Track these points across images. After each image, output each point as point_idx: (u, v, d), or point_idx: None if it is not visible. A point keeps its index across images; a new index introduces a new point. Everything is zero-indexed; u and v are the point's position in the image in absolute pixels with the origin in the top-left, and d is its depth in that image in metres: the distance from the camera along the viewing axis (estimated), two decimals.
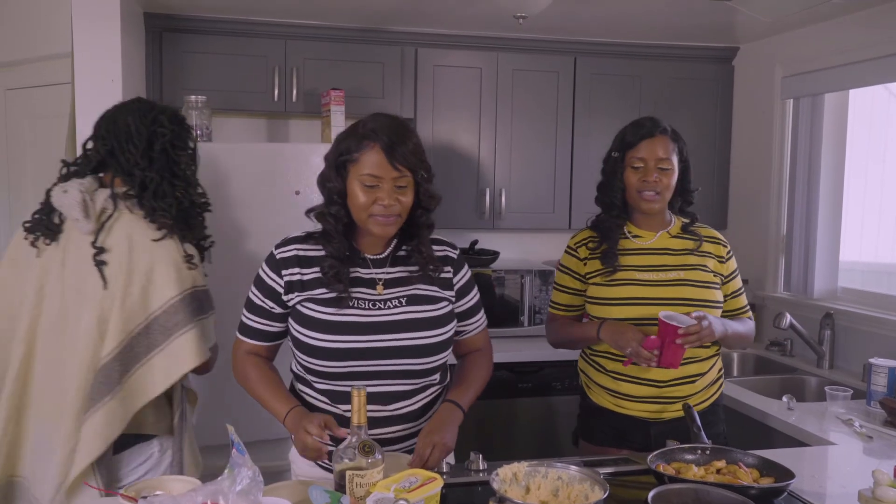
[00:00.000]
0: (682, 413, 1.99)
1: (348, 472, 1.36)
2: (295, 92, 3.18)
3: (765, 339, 3.38)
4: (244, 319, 1.74)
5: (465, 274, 1.81)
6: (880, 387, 2.44)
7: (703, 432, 1.78)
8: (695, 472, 1.61)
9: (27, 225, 1.89)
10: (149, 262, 1.79)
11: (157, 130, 1.87)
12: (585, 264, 2.11)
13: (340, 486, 1.38)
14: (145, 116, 1.88)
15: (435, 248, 1.75)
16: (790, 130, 3.33)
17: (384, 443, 1.65)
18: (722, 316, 2.08)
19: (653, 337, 1.89)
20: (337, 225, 1.65)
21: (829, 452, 2.08)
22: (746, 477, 1.59)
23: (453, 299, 1.76)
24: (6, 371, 1.82)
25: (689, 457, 1.69)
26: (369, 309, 1.65)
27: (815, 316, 3.08)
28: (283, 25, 3.16)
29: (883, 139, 3.39)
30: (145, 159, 1.86)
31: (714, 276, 2.07)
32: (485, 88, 3.39)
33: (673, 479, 1.55)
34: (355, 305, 1.64)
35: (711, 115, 3.65)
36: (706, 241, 2.11)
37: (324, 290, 1.65)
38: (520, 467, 1.50)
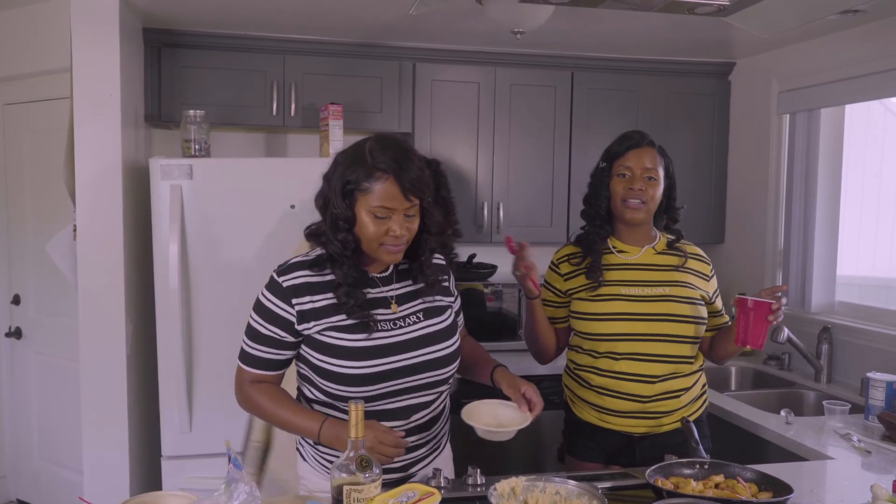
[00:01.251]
0: (668, 428, 2.02)
1: (345, 487, 1.36)
2: (293, 106, 3.20)
3: (763, 353, 3.38)
4: (247, 349, 1.67)
5: (452, 276, 1.85)
6: (878, 401, 2.44)
7: (700, 446, 1.78)
8: (693, 486, 1.61)
9: None
10: None
11: None
12: (566, 280, 2.11)
13: (338, 501, 1.37)
14: None
15: None
16: (787, 145, 3.35)
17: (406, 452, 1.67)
18: (706, 333, 2.10)
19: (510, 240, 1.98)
20: (345, 251, 1.61)
21: (828, 467, 2.07)
22: (745, 492, 1.59)
23: (453, 304, 1.81)
24: None
25: (688, 471, 1.69)
26: (392, 329, 1.65)
27: (812, 330, 3.08)
28: (282, 41, 3.19)
29: (879, 154, 3.41)
30: None
31: (700, 293, 2.06)
32: (482, 103, 3.41)
33: (671, 494, 1.55)
34: (380, 328, 1.64)
35: (708, 130, 3.67)
36: (691, 258, 2.11)
37: (343, 317, 1.62)
38: (518, 482, 1.50)
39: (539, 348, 2.16)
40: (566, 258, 2.14)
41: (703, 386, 2.14)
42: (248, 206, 2.76)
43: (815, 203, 3.21)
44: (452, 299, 1.81)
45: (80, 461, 2.76)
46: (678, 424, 2.02)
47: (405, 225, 1.60)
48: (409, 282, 1.73)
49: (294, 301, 1.62)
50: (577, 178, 3.51)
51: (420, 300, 1.72)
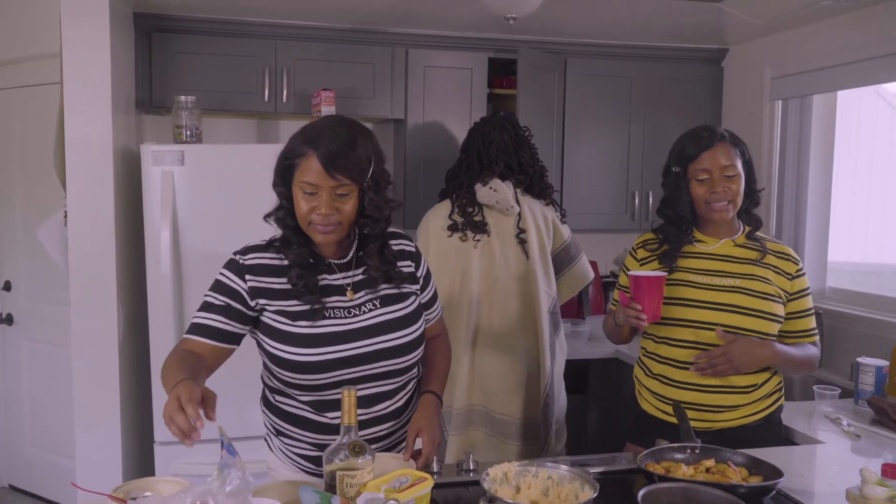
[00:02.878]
0: (731, 424, 1.98)
1: (339, 473, 1.36)
2: (285, 93, 3.18)
3: None
4: (195, 320, 1.62)
5: (425, 264, 1.80)
6: (868, 385, 2.46)
7: (692, 431, 1.79)
8: (684, 471, 1.62)
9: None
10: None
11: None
12: (641, 265, 2.10)
13: (331, 487, 1.38)
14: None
15: (392, 242, 1.72)
16: (779, 131, 3.35)
17: (370, 442, 1.65)
18: (781, 335, 2.02)
19: (623, 292, 1.96)
20: (285, 230, 1.61)
21: (818, 451, 2.09)
22: (735, 476, 1.59)
23: (419, 292, 1.75)
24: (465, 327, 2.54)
25: (679, 456, 1.69)
26: (345, 317, 1.62)
27: None
28: (274, 26, 3.16)
29: (871, 140, 3.42)
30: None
31: (776, 290, 2.00)
32: (475, 89, 3.39)
33: (663, 479, 1.55)
34: (331, 315, 1.61)
35: (701, 117, 3.66)
36: (772, 254, 2.05)
37: (295, 302, 1.61)
38: (510, 467, 1.50)
39: (616, 340, 2.20)
40: (643, 244, 2.15)
41: (779, 384, 2.07)
42: (239, 192, 2.74)
43: (806, 189, 3.22)
44: (417, 287, 1.75)
45: (73, 448, 2.76)
46: (744, 421, 1.99)
47: (333, 204, 1.55)
48: (366, 268, 1.68)
49: (248, 277, 1.61)
50: (570, 164, 3.50)
51: (376, 287, 1.67)
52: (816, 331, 2.10)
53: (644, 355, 2.13)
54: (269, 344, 1.62)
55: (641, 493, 1.41)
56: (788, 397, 2.68)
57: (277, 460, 1.74)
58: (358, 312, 1.64)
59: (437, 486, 1.46)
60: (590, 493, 1.41)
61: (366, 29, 3.24)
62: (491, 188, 2.56)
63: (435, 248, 2.60)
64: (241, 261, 1.64)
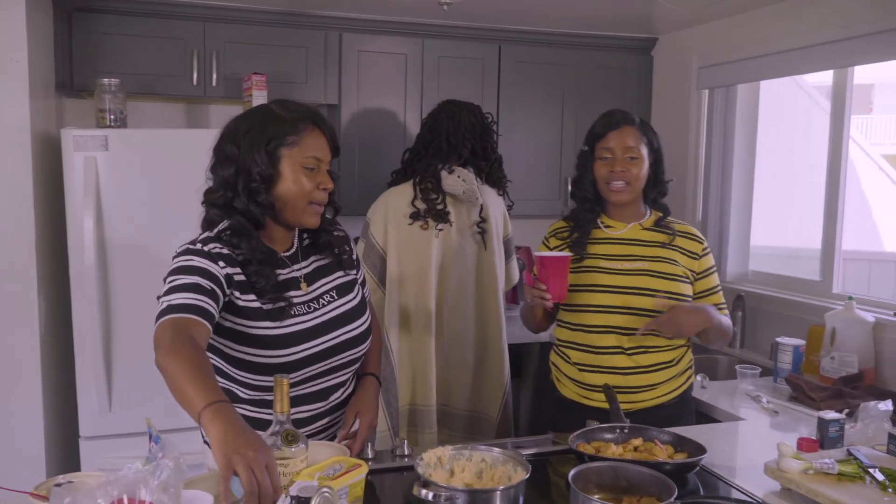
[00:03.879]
0: (649, 404, 2.03)
1: None
2: (215, 76, 3.10)
3: None
4: (170, 303, 1.40)
5: (355, 247, 1.79)
6: (786, 364, 2.58)
7: (621, 412, 1.84)
8: (613, 450, 1.67)
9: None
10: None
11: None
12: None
13: None
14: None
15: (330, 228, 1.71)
16: (705, 120, 3.45)
17: (320, 433, 1.65)
18: None
19: (528, 273, 1.97)
20: (262, 217, 1.53)
21: (739, 427, 2.18)
22: (662, 453, 1.65)
23: (356, 275, 1.74)
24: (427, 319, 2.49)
25: (609, 436, 1.74)
26: (308, 313, 1.58)
27: (728, 298, 3.19)
28: (202, 7, 3.07)
29: (791, 129, 3.56)
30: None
31: (684, 270, 2.06)
32: (410, 75, 3.38)
33: (593, 458, 1.60)
34: (295, 312, 1.55)
35: (632, 105, 3.73)
36: (680, 236, 2.11)
37: (252, 298, 1.51)
38: (444, 451, 1.52)
39: (532, 328, 2.21)
40: (555, 232, 2.18)
41: (690, 361, 2.13)
42: (167, 179, 2.67)
43: (731, 176, 3.33)
44: (356, 272, 1.74)
45: None
46: (661, 400, 2.05)
47: (328, 181, 1.57)
48: (314, 258, 1.67)
49: (221, 264, 1.49)
50: (505, 151, 3.51)
51: (329, 277, 1.66)
52: (725, 305, 2.17)
53: (560, 343, 2.16)
54: (231, 347, 1.52)
55: (572, 472, 1.45)
56: (713, 377, 2.79)
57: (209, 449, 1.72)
58: (318, 306, 1.60)
59: (371, 473, 1.47)
60: (522, 474, 1.44)
61: (298, 12, 3.19)
62: (459, 177, 2.50)
63: (395, 236, 2.51)
64: (207, 249, 1.49)
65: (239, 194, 1.53)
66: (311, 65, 3.24)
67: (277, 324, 1.53)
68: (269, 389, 1.49)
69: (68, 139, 2.58)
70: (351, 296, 1.68)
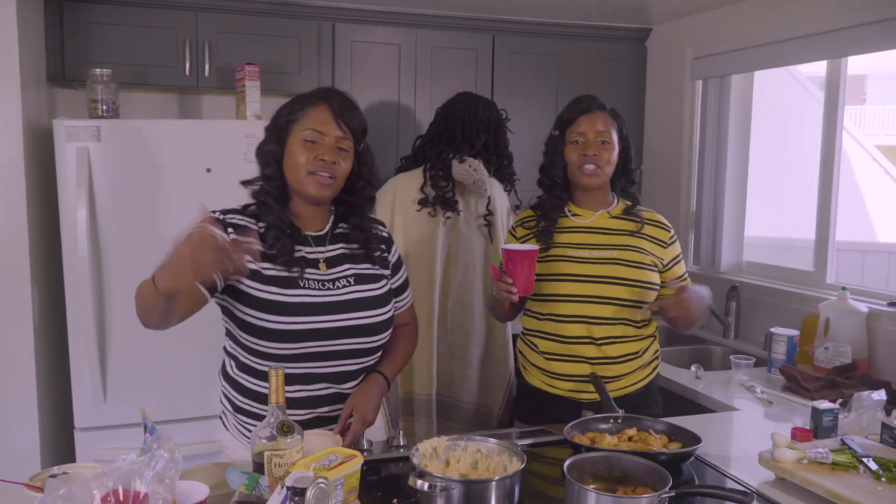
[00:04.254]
0: (618, 394, 2.02)
1: (266, 453, 1.35)
2: (207, 67, 3.08)
3: None
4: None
5: (396, 251, 1.84)
6: (780, 354, 2.59)
7: (612, 401, 1.84)
8: (608, 440, 1.67)
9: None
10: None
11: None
12: (522, 243, 2.11)
13: (259, 467, 1.37)
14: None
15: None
16: (699, 111, 3.45)
17: (330, 420, 1.67)
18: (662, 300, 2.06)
19: (494, 266, 1.97)
20: (272, 190, 1.64)
21: (734, 418, 2.19)
22: (656, 443, 1.66)
23: (389, 276, 1.78)
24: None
25: (603, 426, 1.75)
26: (319, 289, 1.63)
27: (722, 289, 3.22)
28: None
29: (785, 120, 3.56)
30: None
31: (652, 259, 2.07)
32: (403, 66, 3.37)
33: (589, 449, 1.60)
34: (305, 286, 1.62)
35: (626, 96, 3.74)
36: (648, 223, 2.11)
37: (268, 265, 1.60)
38: (440, 442, 1.52)
39: (500, 318, 2.22)
40: (522, 221, 2.16)
41: (656, 352, 2.14)
42: (160, 169, 2.66)
43: (725, 167, 3.33)
44: (389, 272, 1.78)
45: None
46: (628, 390, 2.05)
47: (336, 156, 1.62)
48: (344, 246, 1.72)
49: (230, 231, 1.59)
50: None
51: (354, 265, 1.70)
52: None
53: (528, 332, 2.15)
54: (240, 310, 1.60)
55: (567, 463, 1.45)
56: (707, 368, 2.80)
57: (233, 439, 1.72)
58: (332, 287, 1.65)
59: (367, 463, 1.47)
60: (517, 464, 1.44)
61: (291, 2, 3.17)
62: (469, 166, 2.50)
63: (402, 221, 2.50)
64: (219, 216, 1.62)
65: (260, 167, 1.68)
66: (304, 55, 3.22)
67: (285, 291, 1.59)
68: (285, 360, 1.58)
69: (60, 130, 2.57)
70: (371, 286, 1.70)
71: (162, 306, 1.44)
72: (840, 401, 2.04)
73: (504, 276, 1.89)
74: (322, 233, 1.71)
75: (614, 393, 2.02)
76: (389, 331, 1.75)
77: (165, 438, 1.27)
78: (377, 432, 1.95)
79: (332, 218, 1.74)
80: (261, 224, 1.64)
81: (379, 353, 1.76)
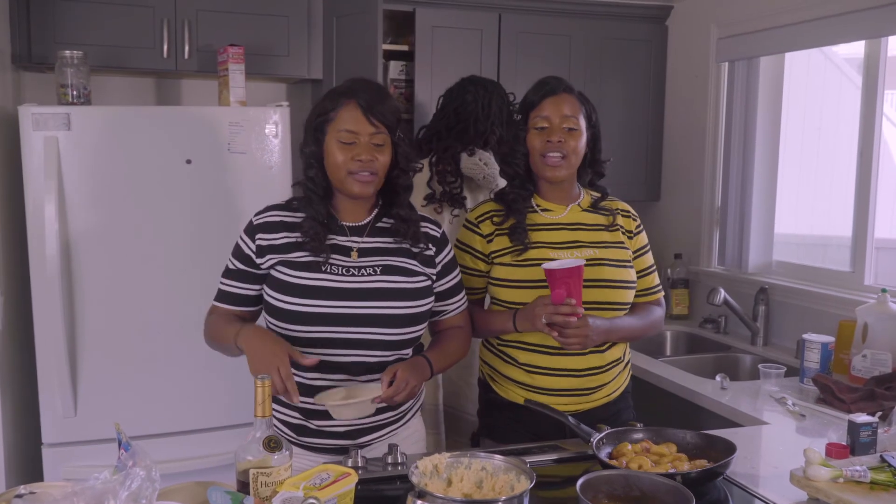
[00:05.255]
0: (596, 404, 2.03)
1: (252, 471, 1.35)
2: (187, 48, 3.08)
3: (698, 316, 3.52)
4: (220, 287, 1.85)
5: (449, 252, 1.90)
6: (813, 363, 2.58)
7: (580, 424, 1.84)
8: (629, 448, 1.68)
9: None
10: None
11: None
12: (490, 241, 2.03)
13: (244, 486, 1.37)
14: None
15: (421, 224, 1.86)
16: (725, 96, 3.45)
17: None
18: (634, 296, 2.06)
19: (557, 291, 1.82)
20: (316, 189, 1.79)
21: (763, 432, 2.18)
22: (671, 457, 1.66)
23: (434, 277, 1.86)
24: None
25: (637, 436, 1.75)
26: (342, 275, 1.75)
27: (749, 291, 3.22)
28: None
29: (819, 106, 3.55)
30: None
31: (628, 254, 2.06)
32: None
33: (606, 466, 1.61)
34: (328, 270, 1.75)
35: (644, 79, 3.73)
36: (617, 214, 2.09)
37: (300, 254, 1.76)
38: (441, 459, 1.52)
39: (485, 336, 2.12)
40: (487, 216, 2.06)
41: (629, 354, 2.15)
42: (136, 160, 2.66)
43: (753, 158, 3.32)
44: (433, 271, 1.85)
45: None
46: (606, 400, 2.05)
47: (373, 153, 1.74)
48: (384, 239, 1.83)
49: (258, 237, 1.79)
50: None
51: (389, 257, 1.79)
52: (660, 286, 2.17)
53: (502, 343, 2.06)
54: (269, 294, 1.78)
55: (580, 481, 1.45)
56: (734, 378, 2.80)
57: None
58: (357, 273, 1.77)
59: (361, 482, 1.47)
60: (526, 483, 1.44)
61: None
62: (480, 160, 2.51)
63: None
64: (255, 221, 1.82)
65: (304, 168, 1.84)
66: (293, 35, 3.22)
67: (309, 274, 1.74)
68: (305, 345, 1.74)
69: (27, 117, 2.57)
70: (399, 278, 1.78)
71: (233, 355, 1.79)
72: (879, 414, 2.04)
73: (568, 299, 1.81)
74: (361, 224, 1.84)
75: (597, 402, 2.03)
76: (417, 327, 1.82)
77: (142, 455, 1.27)
78: (418, 444, 1.95)
79: (375, 211, 1.86)
80: (299, 214, 1.80)
81: (404, 350, 1.82)
